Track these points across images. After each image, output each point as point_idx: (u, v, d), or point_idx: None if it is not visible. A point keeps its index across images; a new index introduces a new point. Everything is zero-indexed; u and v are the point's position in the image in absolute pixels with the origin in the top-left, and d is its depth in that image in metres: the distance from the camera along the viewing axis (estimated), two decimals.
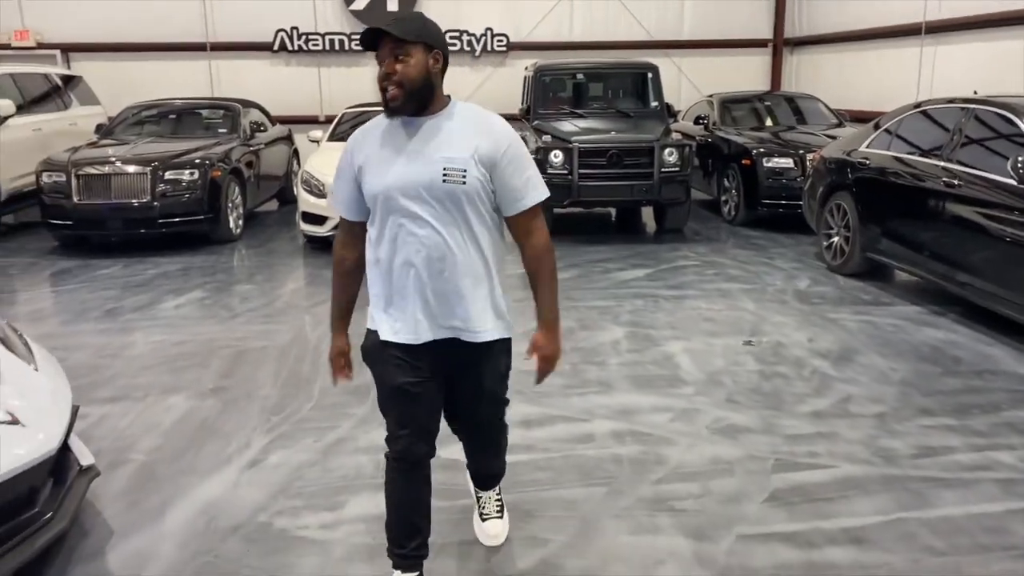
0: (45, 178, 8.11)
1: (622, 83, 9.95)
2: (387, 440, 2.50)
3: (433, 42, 2.27)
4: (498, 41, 12.61)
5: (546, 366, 2.50)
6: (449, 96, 2.36)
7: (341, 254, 2.52)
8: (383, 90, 2.26)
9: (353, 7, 12.27)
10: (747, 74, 13.11)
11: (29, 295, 6.82)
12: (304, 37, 12.35)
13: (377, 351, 2.43)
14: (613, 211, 10.08)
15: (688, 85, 12.80)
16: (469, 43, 12.57)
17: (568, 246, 8.21)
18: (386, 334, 2.40)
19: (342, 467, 3.62)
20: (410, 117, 2.29)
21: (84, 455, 3.22)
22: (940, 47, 9.50)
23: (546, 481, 3.48)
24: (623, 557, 2.92)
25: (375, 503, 3.22)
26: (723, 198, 9.66)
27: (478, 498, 3.05)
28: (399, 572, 2.59)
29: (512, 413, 4.03)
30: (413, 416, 2.44)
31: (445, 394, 2.53)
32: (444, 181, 2.24)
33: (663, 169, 8.23)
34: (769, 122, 10.49)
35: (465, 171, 2.25)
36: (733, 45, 13.07)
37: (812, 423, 4.02)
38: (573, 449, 3.78)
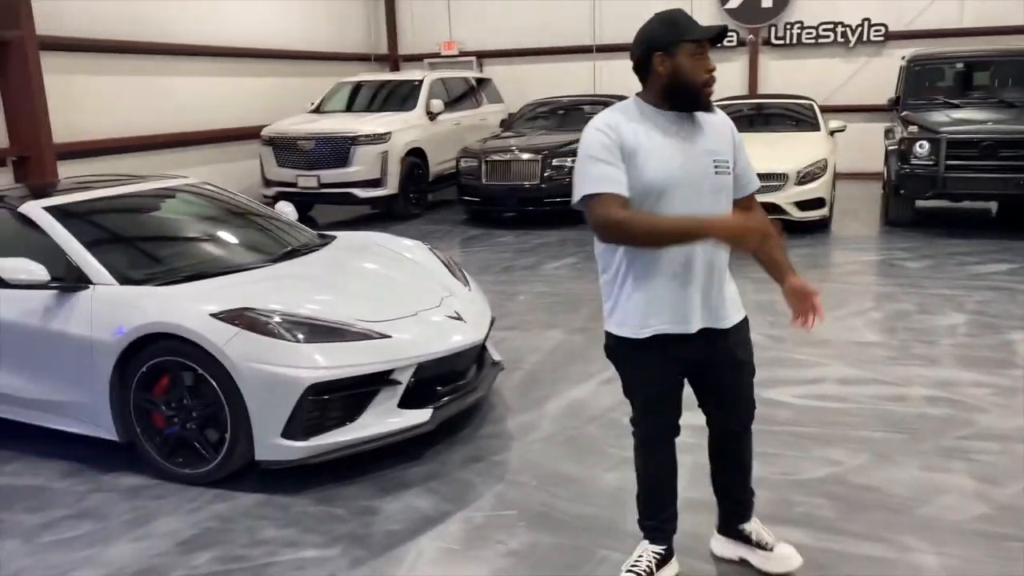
0: (462, 163, 10.12)
1: (1008, 71, 9.39)
2: (643, 425, 2.81)
3: None
4: (875, 31, 12.37)
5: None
6: None
7: (622, 210, 2.42)
8: (707, 84, 2.47)
9: (728, 5, 12.92)
10: None
11: (448, 253, 8.60)
12: None
13: (635, 352, 2.60)
14: (993, 206, 9.55)
15: None
16: (843, 34, 12.51)
17: (925, 238, 8.17)
18: (645, 332, 2.55)
19: None
20: (681, 112, 2.50)
21: (495, 354, 4.53)
22: None
23: (851, 424, 4.03)
24: (907, 483, 3.42)
25: (697, 418, 4.06)
26: None
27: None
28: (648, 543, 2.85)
29: (831, 372, 4.68)
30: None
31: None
32: (716, 173, 2.49)
33: None
34: None
35: (727, 162, 2.53)
36: None
37: None
38: (883, 405, 4.25)
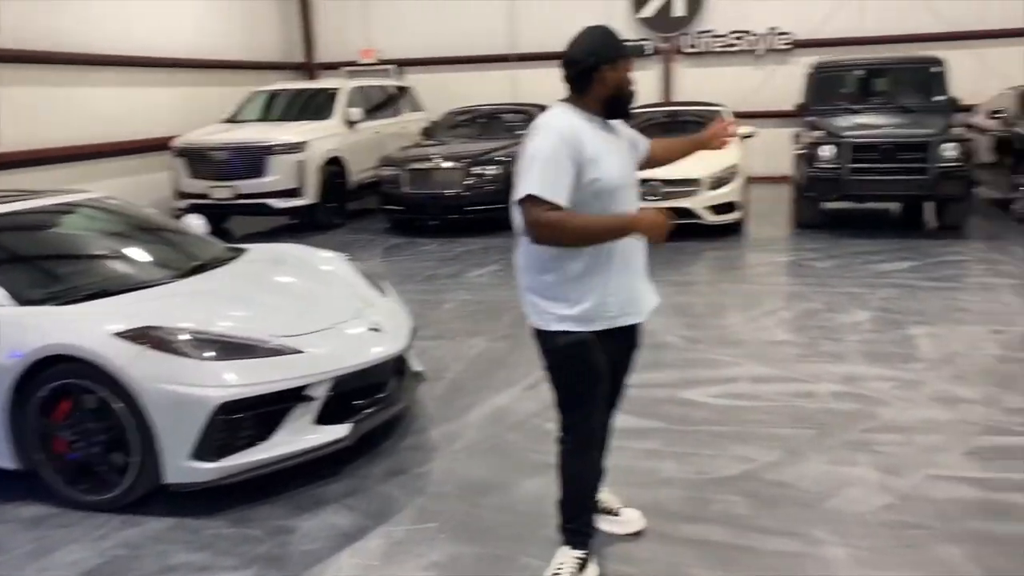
0: (384, 172, 10.04)
1: (905, 78, 9.87)
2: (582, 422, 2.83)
3: None
4: (782, 39, 12.80)
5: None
6: None
7: (552, 212, 2.52)
8: (631, 95, 2.72)
9: (641, 14, 13.17)
10: None
11: (370, 263, 8.56)
12: None
13: (590, 344, 2.68)
14: (895, 206, 9.96)
15: (994, 78, 11.96)
16: (752, 42, 12.90)
17: (832, 238, 8.49)
18: (605, 323, 2.70)
19: None
20: (606, 119, 2.73)
21: (416, 364, 4.49)
22: None
23: (764, 422, 4.14)
24: (816, 478, 3.53)
25: (619, 421, 4.10)
26: (1014, 195, 9.18)
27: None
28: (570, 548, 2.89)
29: (744, 371, 4.79)
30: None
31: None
32: (635, 169, 2.84)
33: (939, 164, 8.16)
34: None
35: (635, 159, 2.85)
36: None
37: None
38: (794, 401, 4.38)
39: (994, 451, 3.70)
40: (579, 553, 2.87)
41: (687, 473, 3.63)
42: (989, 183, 9.89)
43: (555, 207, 2.50)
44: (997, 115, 9.98)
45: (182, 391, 3.26)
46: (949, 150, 8.17)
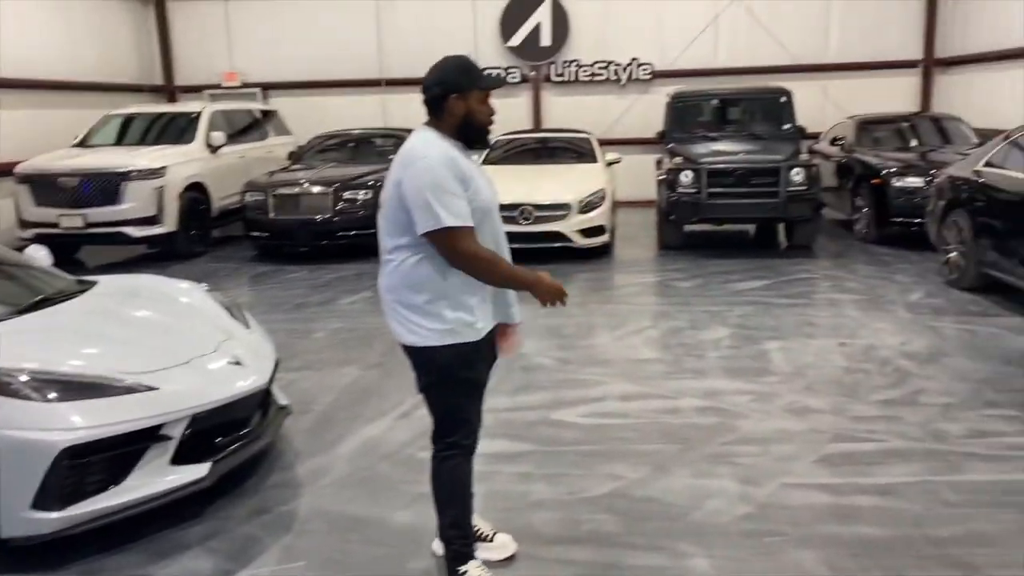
0: (248, 197, 9.72)
1: (756, 107, 10.50)
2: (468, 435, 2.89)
3: None
4: (643, 70, 13.36)
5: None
6: None
7: (484, 247, 2.69)
8: (490, 125, 2.81)
9: (510, 43, 13.44)
10: (895, 95, 13.09)
11: (236, 292, 8.28)
12: None
13: (471, 354, 2.75)
14: (752, 229, 10.55)
15: (834, 108, 12.95)
16: (615, 72, 13.40)
17: (694, 259, 8.88)
18: (481, 332, 2.78)
19: None
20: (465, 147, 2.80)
21: (282, 398, 4.34)
22: None
23: (632, 439, 4.26)
24: (681, 492, 3.66)
25: (491, 446, 4.11)
26: (855, 216, 9.92)
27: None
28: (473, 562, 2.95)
29: (613, 390, 4.91)
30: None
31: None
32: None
33: (789, 188, 8.71)
34: (912, 143, 10.59)
35: None
36: (881, 67, 13.12)
37: (879, 408, 4.55)
38: (660, 418, 4.53)
39: (841, 457, 3.95)
40: (478, 560, 2.96)
41: (558, 494, 3.67)
42: (833, 205, 10.65)
43: (473, 232, 2.63)
44: (838, 142, 10.79)
45: (20, 436, 3.01)
46: (797, 175, 8.74)
